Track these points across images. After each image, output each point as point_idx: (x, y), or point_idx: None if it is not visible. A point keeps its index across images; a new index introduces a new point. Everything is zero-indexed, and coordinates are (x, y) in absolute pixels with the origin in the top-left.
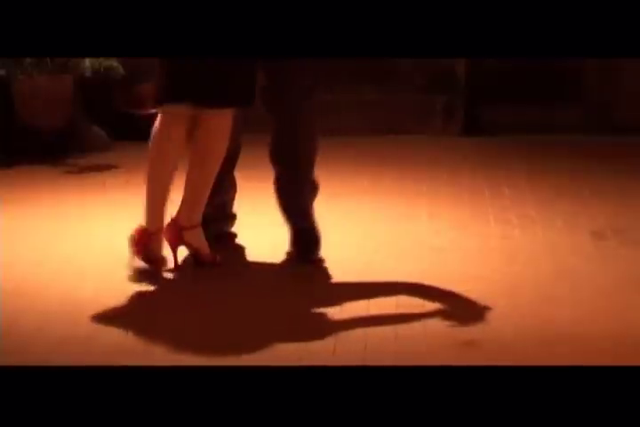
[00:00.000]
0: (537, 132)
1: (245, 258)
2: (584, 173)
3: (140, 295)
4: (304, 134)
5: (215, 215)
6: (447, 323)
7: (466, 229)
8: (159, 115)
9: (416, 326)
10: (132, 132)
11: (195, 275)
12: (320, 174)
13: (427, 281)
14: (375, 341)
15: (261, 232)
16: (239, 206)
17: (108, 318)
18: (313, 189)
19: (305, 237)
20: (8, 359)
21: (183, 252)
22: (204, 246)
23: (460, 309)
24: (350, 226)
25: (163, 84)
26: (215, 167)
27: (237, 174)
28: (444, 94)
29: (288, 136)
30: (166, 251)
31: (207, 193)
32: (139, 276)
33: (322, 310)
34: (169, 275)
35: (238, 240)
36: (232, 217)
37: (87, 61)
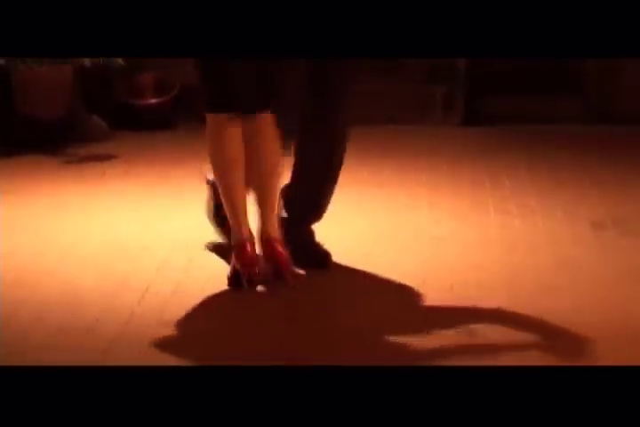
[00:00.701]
0: (537, 123)
1: None
2: (584, 164)
3: (139, 285)
4: (338, 139)
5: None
6: (447, 315)
7: (466, 218)
8: (208, 118)
9: (416, 318)
10: (132, 121)
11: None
12: None
13: (426, 271)
14: (375, 335)
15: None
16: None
17: (108, 308)
18: (326, 205)
19: (315, 251)
20: (8, 349)
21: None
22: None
23: (459, 299)
24: (350, 216)
25: (209, 89)
26: (275, 168)
27: None
28: (445, 85)
29: (322, 142)
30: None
31: (277, 195)
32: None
33: (320, 301)
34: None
35: None
36: None
37: None
